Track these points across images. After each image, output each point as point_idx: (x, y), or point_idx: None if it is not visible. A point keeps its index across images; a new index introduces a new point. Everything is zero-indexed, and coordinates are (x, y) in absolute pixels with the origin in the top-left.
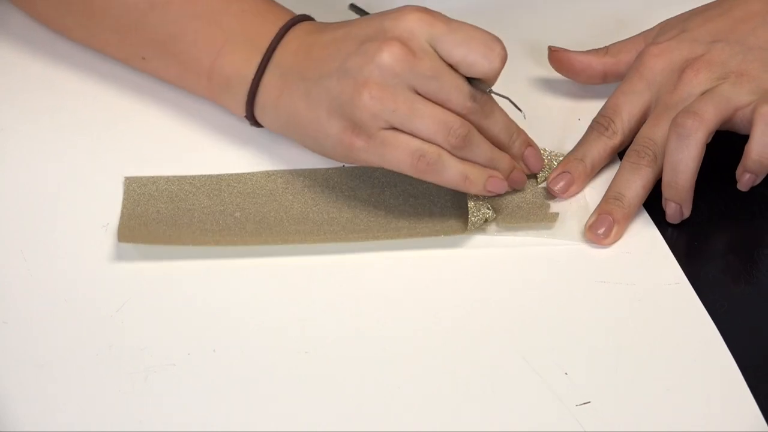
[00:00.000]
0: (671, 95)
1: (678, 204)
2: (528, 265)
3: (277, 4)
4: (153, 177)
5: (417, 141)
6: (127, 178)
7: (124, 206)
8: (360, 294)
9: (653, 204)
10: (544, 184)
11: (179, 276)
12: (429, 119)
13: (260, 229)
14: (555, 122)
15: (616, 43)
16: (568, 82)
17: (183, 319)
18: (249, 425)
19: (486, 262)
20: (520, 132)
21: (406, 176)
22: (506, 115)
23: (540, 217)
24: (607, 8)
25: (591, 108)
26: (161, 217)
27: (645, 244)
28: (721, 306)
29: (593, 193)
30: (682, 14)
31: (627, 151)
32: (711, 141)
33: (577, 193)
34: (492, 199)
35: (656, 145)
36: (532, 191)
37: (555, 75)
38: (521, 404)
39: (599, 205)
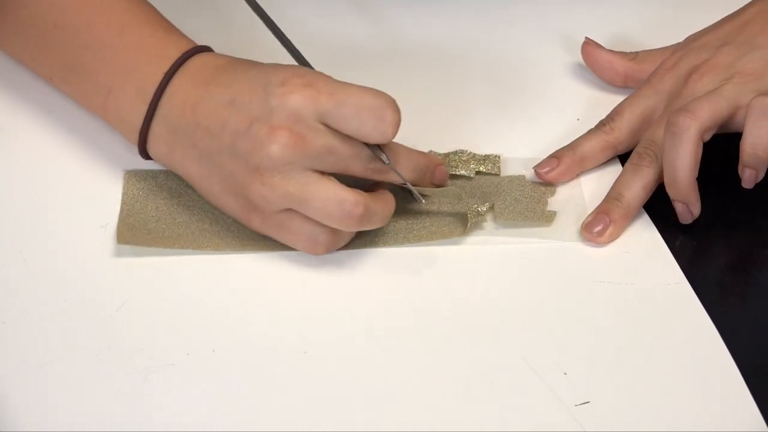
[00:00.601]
0: (677, 100)
1: (684, 203)
2: (527, 265)
3: (173, 32)
4: (153, 171)
5: (311, 225)
6: (127, 172)
7: (123, 201)
8: (358, 294)
9: (653, 204)
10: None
11: (178, 276)
12: (322, 203)
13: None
14: (553, 121)
15: (648, 50)
16: (570, 81)
17: (182, 319)
18: (248, 425)
19: (485, 261)
20: (429, 164)
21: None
22: (413, 154)
23: (538, 216)
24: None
25: (589, 107)
26: (160, 214)
27: (644, 244)
28: (720, 306)
29: (593, 194)
30: (708, 26)
31: (632, 154)
32: (710, 141)
33: (563, 179)
34: (489, 199)
35: (657, 146)
36: (530, 191)
37: (558, 74)
38: (520, 404)
39: (599, 205)
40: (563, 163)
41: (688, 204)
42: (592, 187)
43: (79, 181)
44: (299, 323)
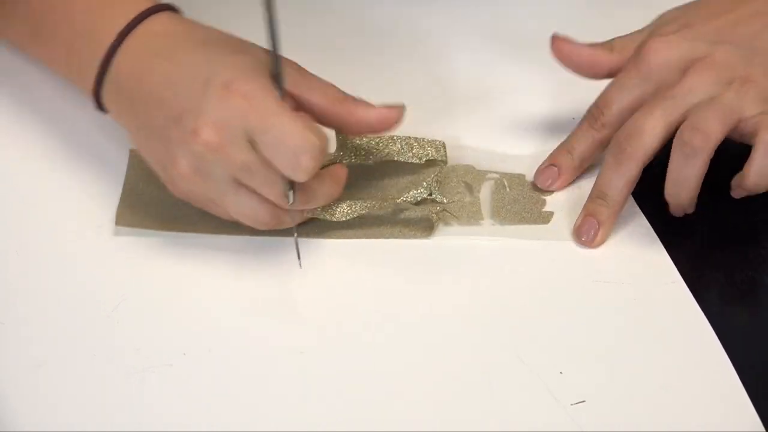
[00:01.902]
0: (670, 89)
1: (680, 207)
2: (523, 265)
3: None
4: None
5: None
6: (132, 151)
7: (126, 180)
8: (355, 294)
9: (649, 203)
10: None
11: (175, 276)
12: (235, 212)
13: None
14: (549, 121)
15: (620, 37)
16: (561, 80)
17: (179, 319)
18: (245, 425)
19: (481, 261)
20: (339, 191)
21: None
22: (331, 185)
23: (535, 217)
24: None
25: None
26: (162, 196)
27: (640, 243)
28: (717, 306)
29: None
30: (684, 5)
31: (612, 140)
32: None
33: (564, 186)
34: (486, 198)
35: (642, 136)
36: (529, 191)
37: (549, 70)
38: (516, 403)
39: (585, 205)
40: (564, 172)
41: (685, 208)
42: (590, 186)
43: (74, 181)
44: (296, 323)
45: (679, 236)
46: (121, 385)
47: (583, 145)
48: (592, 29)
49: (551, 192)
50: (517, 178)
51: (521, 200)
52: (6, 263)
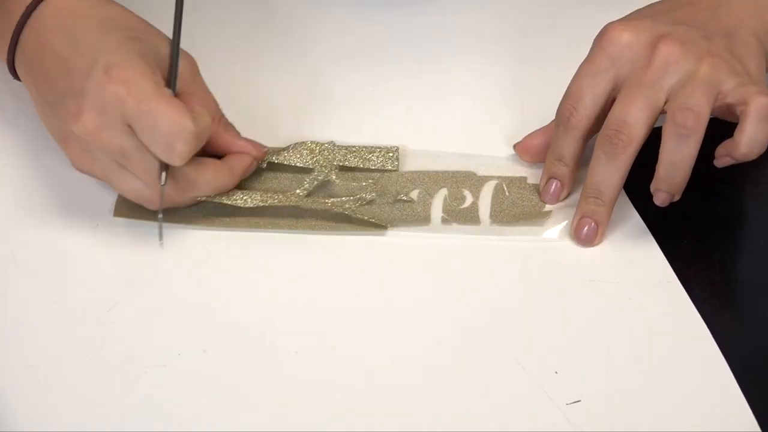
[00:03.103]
0: (645, 71)
1: (670, 193)
2: (518, 264)
3: None
4: None
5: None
6: None
7: None
8: (350, 294)
9: (644, 202)
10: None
11: (170, 276)
12: (121, 190)
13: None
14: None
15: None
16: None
17: (174, 320)
18: (240, 425)
19: (475, 261)
20: (229, 182)
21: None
22: (210, 173)
23: (533, 216)
24: None
25: None
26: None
27: (635, 242)
28: (712, 304)
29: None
30: (634, 12)
31: (599, 136)
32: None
33: (569, 194)
34: (486, 203)
35: (630, 127)
36: (529, 193)
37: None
38: (511, 403)
39: (579, 204)
40: (565, 182)
41: (674, 195)
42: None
43: (70, 183)
44: (290, 324)
45: (674, 235)
46: (115, 385)
47: (570, 148)
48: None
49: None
50: (518, 181)
51: (520, 203)
52: (1, 264)
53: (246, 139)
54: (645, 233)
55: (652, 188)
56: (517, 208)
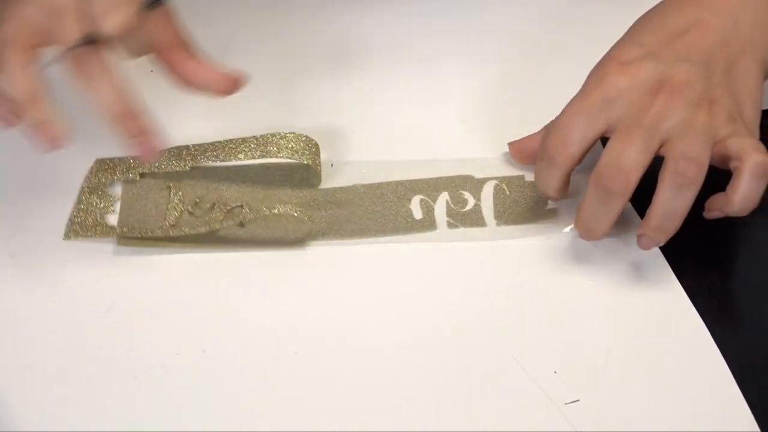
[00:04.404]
0: (644, 115)
1: (657, 241)
2: (517, 264)
3: None
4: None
5: None
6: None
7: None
8: (349, 293)
9: (643, 203)
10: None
11: (168, 276)
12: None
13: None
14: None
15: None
16: (560, 82)
17: (172, 320)
18: (239, 425)
19: (474, 261)
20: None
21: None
22: (109, 84)
23: (538, 215)
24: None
25: None
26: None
27: (633, 242)
28: (710, 304)
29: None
30: (629, 31)
31: (592, 179)
32: None
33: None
34: (488, 204)
35: (628, 171)
36: (529, 190)
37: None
38: (510, 403)
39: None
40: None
41: (660, 242)
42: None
43: (69, 182)
44: (289, 323)
45: (674, 236)
46: (114, 385)
47: (555, 183)
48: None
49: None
50: (516, 180)
51: (522, 201)
52: (0, 264)
53: (218, 72)
54: None
55: (638, 232)
56: (519, 206)
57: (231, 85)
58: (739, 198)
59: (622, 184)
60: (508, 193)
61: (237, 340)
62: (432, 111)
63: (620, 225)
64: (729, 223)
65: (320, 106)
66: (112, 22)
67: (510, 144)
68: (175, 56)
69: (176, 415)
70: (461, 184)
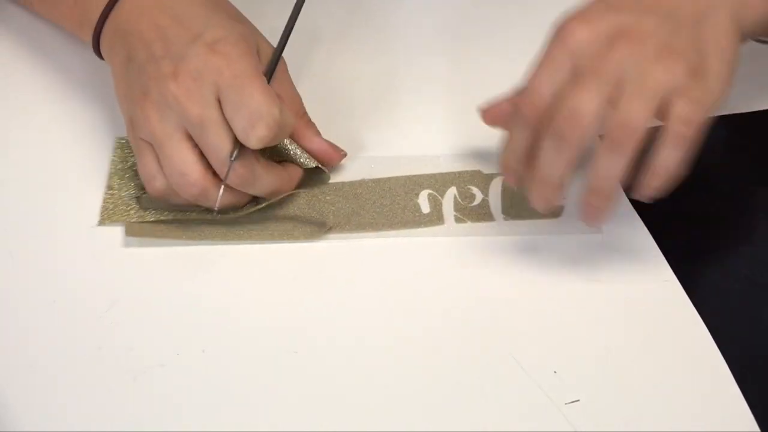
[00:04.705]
0: (600, 64)
1: (598, 209)
2: (517, 264)
3: None
4: None
5: (154, 167)
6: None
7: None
8: (349, 292)
9: (643, 203)
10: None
11: (168, 276)
12: (169, 161)
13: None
14: None
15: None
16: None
17: (172, 319)
18: (238, 425)
19: (475, 260)
20: (281, 188)
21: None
22: (274, 175)
23: (546, 212)
24: None
25: None
26: (166, 206)
27: (634, 242)
28: (710, 304)
29: None
30: None
31: (551, 126)
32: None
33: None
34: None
35: (582, 117)
36: None
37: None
38: (510, 402)
39: (530, 193)
40: (520, 178)
41: (600, 211)
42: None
43: (69, 181)
44: (289, 323)
45: (674, 235)
46: (114, 385)
47: (524, 143)
48: None
49: None
50: None
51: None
52: (0, 263)
53: (326, 141)
54: (644, 233)
55: (581, 200)
56: (527, 201)
57: (338, 155)
58: (656, 165)
59: (574, 128)
60: (515, 188)
61: (237, 340)
62: (440, 105)
63: (620, 225)
64: (729, 222)
65: (328, 101)
66: (257, 140)
67: (481, 109)
68: (300, 132)
69: (176, 415)
70: (469, 179)
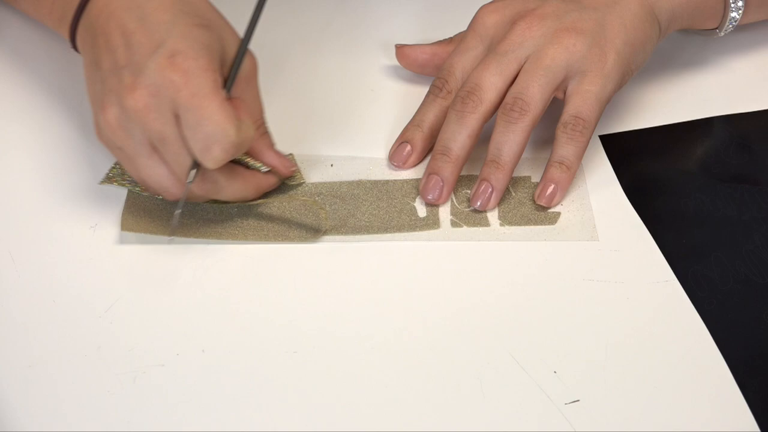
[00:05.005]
0: (501, 43)
1: (492, 186)
2: (517, 264)
3: None
4: None
5: (133, 171)
6: None
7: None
8: (348, 293)
9: (642, 202)
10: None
11: (168, 276)
12: (147, 173)
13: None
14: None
15: (461, 32)
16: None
17: (172, 320)
18: (239, 425)
19: (473, 261)
20: (251, 196)
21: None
22: (239, 184)
23: (541, 218)
24: None
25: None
26: (165, 203)
27: (634, 242)
28: (710, 303)
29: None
30: None
31: (454, 99)
32: (694, 138)
33: (420, 160)
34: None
35: (482, 90)
36: (530, 188)
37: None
38: (510, 402)
39: (429, 163)
40: (417, 147)
41: (494, 189)
42: (594, 180)
43: (68, 182)
44: (289, 323)
45: (673, 235)
46: (113, 385)
47: (431, 115)
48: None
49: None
50: (522, 181)
51: (527, 202)
52: (0, 264)
53: (277, 153)
54: (644, 233)
55: (480, 175)
56: (524, 207)
57: (287, 172)
58: (553, 156)
59: (475, 101)
60: (513, 193)
61: (236, 340)
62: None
63: (620, 226)
64: (729, 222)
65: (322, 103)
66: (213, 162)
67: (398, 46)
68: (254, 145)
69: (176, 415)
70: (467, 184)
